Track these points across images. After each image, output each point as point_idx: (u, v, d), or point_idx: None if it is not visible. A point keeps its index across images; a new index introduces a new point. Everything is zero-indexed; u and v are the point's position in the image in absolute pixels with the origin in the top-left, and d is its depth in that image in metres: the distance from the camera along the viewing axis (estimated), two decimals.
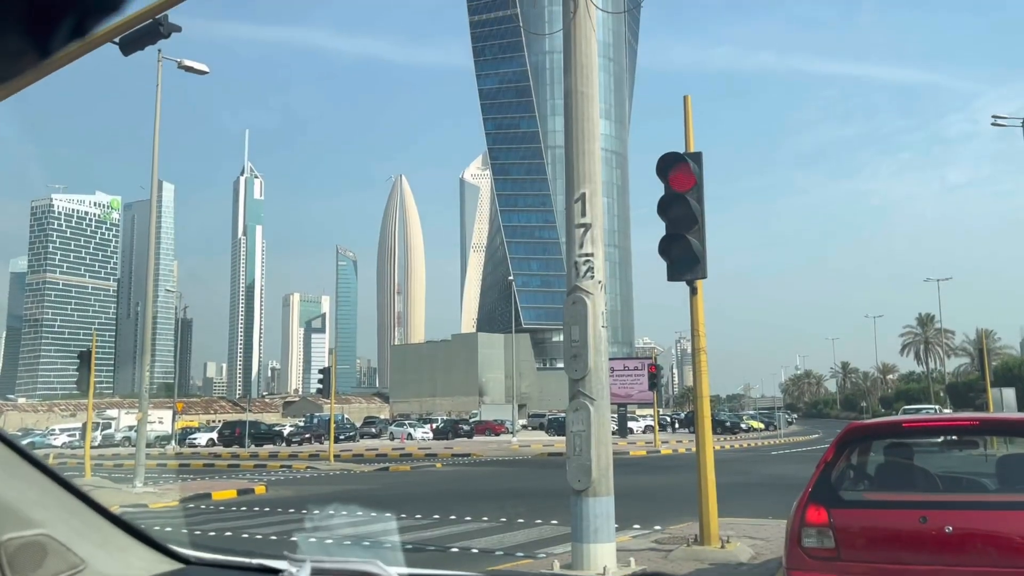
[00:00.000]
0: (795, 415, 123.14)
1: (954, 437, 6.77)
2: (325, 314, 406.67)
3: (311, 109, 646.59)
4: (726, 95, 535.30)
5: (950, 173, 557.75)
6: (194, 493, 19.87)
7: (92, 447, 30.22)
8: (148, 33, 12.26)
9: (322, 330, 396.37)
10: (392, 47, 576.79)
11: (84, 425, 30.02)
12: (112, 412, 70.12)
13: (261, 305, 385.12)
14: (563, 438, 8.27)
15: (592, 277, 7.85)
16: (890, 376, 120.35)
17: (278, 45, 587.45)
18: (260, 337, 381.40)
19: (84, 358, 24.18)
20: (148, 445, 25.27)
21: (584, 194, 8.00)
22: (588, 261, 7.91)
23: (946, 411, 58.84)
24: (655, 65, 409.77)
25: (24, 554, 1.41)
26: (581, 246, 7.94)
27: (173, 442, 53.50)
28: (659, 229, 9.24)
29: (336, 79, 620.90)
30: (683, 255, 9.06)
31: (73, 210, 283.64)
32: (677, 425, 66.73)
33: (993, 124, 35.27)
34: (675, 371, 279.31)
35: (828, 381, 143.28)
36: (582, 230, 7.97)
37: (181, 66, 21.21)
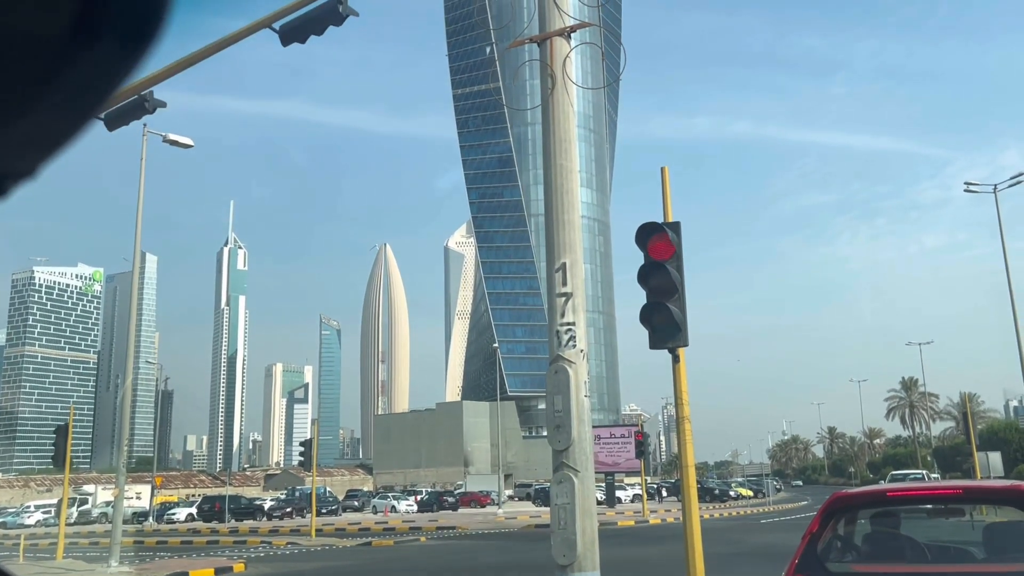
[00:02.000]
0: (798, 481, 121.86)
1: (941, 506, 6.73)
2: (308, 384, 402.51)
3: (296, 179, 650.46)
4: (706, 163, 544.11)
5: (927, 238, 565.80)
6: (171, 572, 19.34)
7: (68, 524, 29.44)
8: (133, 109, 12.42)
9: (305, 400, 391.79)
10: (376, 117, 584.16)
11: (60, 502, 29.27)
12: (89, 488, 68.54)
13: (243, 376, 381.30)
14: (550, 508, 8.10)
15: (574, 346, 7.86)
16: (877, 440, 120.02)
17: (262, 117, 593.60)
18: (241, 408, 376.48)
19: (61, 432, 23.79)
20: (125, 521, 24.62)
21: (565, 264, 8.07)
22: (570, 330, 7.92)
23: (934, 475, 58.65)
24: (635, 133, 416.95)
25: None
26: (563, 315, 7.96)
27: (151, 518, 52.22)
28: (643, 293, 9.26)
29: (320, 149, 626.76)
30: (664, 323, 9.08)
31: (55, 282, 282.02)
32: (666, 493, 66.07)
33: (966, 190, 36.26)
34: (662, 438, 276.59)
35: (815, 446, 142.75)
36: (563, 299, 8.00)
37: (166, 140, 21.48)
